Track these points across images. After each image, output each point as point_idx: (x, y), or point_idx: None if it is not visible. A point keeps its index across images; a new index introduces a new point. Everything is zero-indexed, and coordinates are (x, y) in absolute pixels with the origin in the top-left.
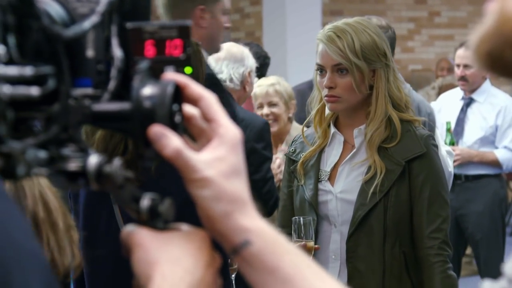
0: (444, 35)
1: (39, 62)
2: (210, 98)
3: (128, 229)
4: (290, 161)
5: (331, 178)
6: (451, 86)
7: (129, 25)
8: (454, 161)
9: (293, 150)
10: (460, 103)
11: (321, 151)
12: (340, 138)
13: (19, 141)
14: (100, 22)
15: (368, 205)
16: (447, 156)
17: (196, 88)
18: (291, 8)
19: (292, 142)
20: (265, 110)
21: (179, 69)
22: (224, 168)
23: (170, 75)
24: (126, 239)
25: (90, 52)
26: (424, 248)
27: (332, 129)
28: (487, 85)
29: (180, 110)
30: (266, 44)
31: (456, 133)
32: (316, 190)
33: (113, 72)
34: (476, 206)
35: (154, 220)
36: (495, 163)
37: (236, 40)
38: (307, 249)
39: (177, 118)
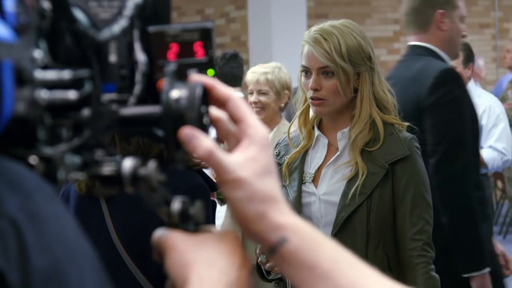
0: None
1: (71, 66)
2: (237, 99)
3: (160, 233)
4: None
5: (315, 180)
6: None
7: (152, 29)
8: None
9: (277, 153)
10: None
11: (305, 153)
12: (324, 141)
13: (53, 146)
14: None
15: (351, 207)
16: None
17: (223, 89)
18: (276, 11)
19: (277, 145)
20: (253, 97)
21: (202, 72)
22: (256, 167)
23: (197, 76)
24: (158, 243)
25: (113, 58)
26: (407, 249)
27: (316, 132)
28: (471, 85)
29: (208, 112)
30: (251, 48)
31: None
32: (299, 192)
33: (138, 76)
34: None
35: (185, 223)
36: (481, 163)
37: (222, 45)
38: None
39: (206, 120)
